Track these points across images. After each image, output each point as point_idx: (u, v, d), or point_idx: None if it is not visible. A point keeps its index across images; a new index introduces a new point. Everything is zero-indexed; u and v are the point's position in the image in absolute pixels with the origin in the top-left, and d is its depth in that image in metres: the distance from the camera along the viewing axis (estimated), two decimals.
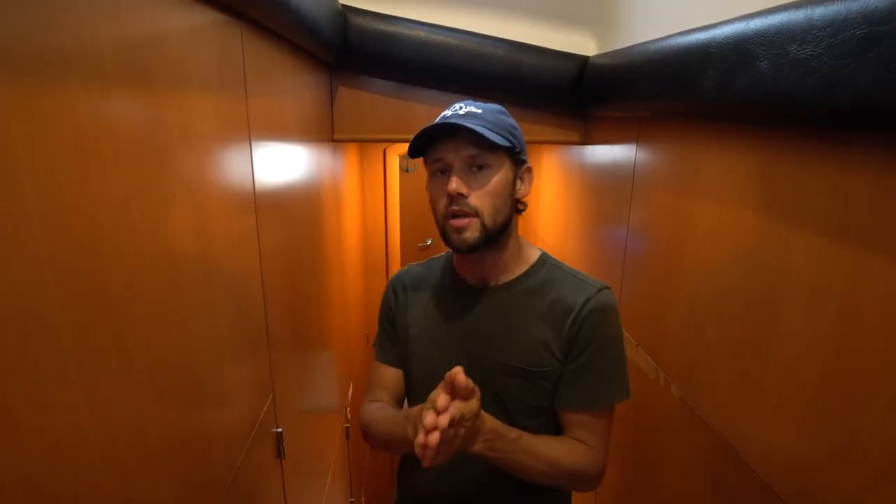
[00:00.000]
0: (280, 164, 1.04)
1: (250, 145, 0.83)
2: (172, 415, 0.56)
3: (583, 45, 1.56)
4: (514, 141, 0.90)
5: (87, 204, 0.42)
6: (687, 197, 1.07)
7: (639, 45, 1.18)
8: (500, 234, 0.91)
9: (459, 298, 0.99)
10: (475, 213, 0.88)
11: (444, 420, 0.70)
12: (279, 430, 0.95)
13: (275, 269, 0.99)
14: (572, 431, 0.93)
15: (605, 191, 1.59)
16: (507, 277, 0.96)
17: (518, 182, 0.94)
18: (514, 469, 0.87)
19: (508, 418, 0.93)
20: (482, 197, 0.88)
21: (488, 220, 0.88)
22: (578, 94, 1.51)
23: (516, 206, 0.95)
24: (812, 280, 0.72)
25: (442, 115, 0.92)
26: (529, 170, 0.95)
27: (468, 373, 0.86)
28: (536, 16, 1.55)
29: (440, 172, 0.91)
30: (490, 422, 0.82)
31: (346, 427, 2.04)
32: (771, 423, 0.79)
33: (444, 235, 0.91)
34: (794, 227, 0.76)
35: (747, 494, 0.85)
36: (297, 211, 1.22)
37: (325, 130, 1.56)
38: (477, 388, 0.76)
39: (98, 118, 0.43)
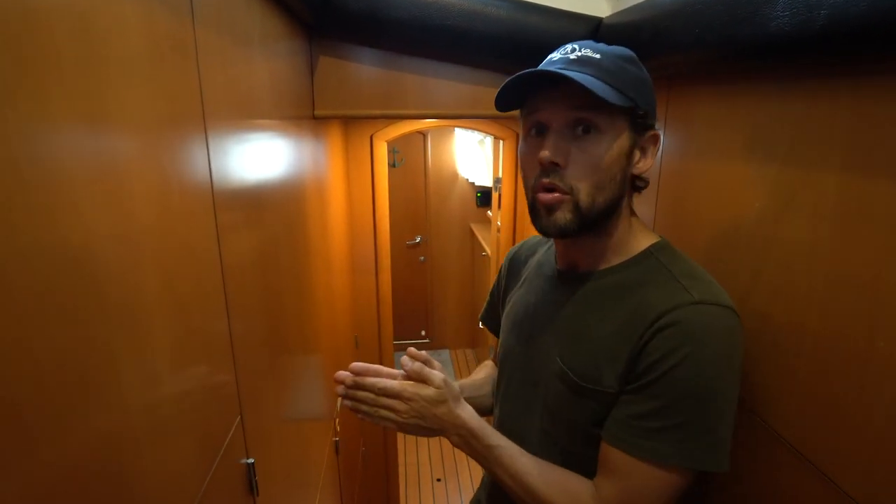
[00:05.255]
0: (248, 142, 0.85)
1: (203, 107, 0.64)
2: (59, 459, 0.37)
3: (594, 5, 1.38)
4: (637, 100, 0.69)
5: None
6: (740, 162, 0.90)
7: None
8: (601, 217, 0.72)
9: (546, 281, 0.86)
10: (568, 191, 0.69)
11: (350, 378, 0.80)
12: (250, 461, 0.75)
13: (243, 271, 0.79)
14: (598, 473, 0.73)
15: None
16: (597, 266, 0.77)
17: (637, 153, 0.73)
18: (504, 488, 0.75)
19: (550, 429, 0.79)
20: (581, 169, 0.68)
21: (584, 201, 0.69)
22: None
23: (633, 183, 0.76)
24: None
25: (549, 57, 0.72)
26: (655, 138, 0.74)
27: (528, 365, 0.85)
28: None
29: (535, 131, 0.72)
30: (469, 419, 0.76)
31: (336, 441, 1.83)
32: (870, 437, 0.62)
33: (533, 212, 0.73)
34: None
35: None
36: (272, 200, 1.02)
37: (304, 106, 1.36)
38: (435, 377, 0.76)
39: None
